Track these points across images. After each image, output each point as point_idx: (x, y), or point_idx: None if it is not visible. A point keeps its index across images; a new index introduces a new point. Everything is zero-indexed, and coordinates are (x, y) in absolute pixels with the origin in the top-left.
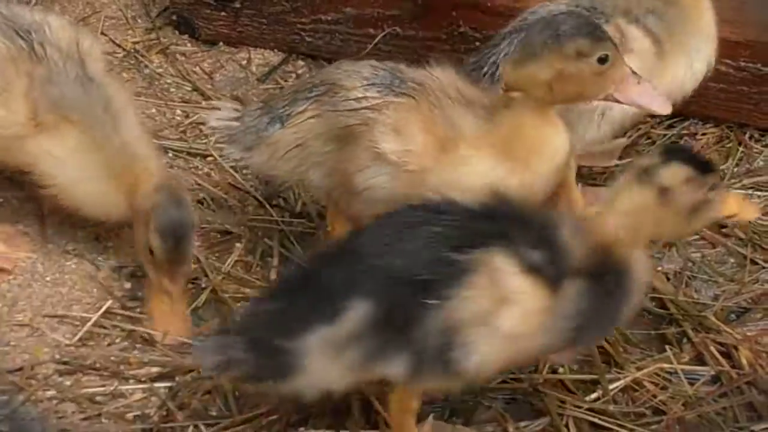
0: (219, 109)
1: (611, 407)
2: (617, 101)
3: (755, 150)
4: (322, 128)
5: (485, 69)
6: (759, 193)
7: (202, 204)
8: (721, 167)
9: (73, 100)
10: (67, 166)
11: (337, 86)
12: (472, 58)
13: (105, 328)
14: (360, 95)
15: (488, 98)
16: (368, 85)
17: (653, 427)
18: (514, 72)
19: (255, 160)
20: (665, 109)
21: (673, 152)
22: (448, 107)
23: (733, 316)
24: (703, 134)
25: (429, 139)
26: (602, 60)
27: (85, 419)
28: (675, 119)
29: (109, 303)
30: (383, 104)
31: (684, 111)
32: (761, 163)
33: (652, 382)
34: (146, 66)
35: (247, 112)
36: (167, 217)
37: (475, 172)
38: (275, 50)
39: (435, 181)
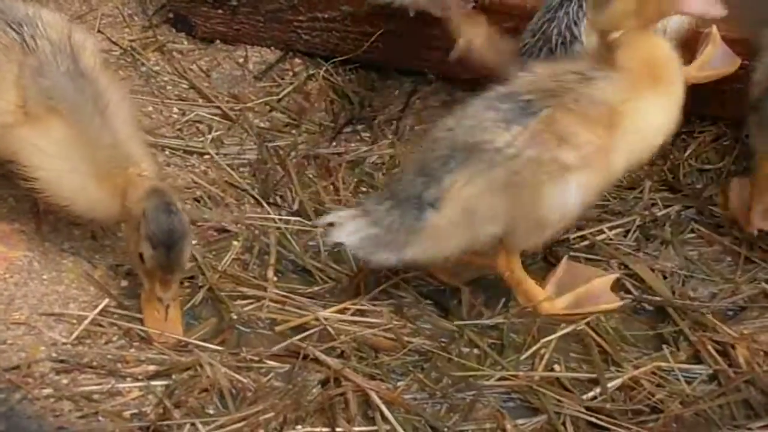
0: (334, 223)
1: (608, 405)
2: (683, 13)
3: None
4: (483, 188)
5: (553, 40)
6: None
7: (198, 202)
8: (719, 165)
9: (63, 92)
10: (52, 158)
11: (480, 145)
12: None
13: (102, 326)
14: (509, 140)
15: (590, 61)
16: (506, 124)
17: (650, 425)
18: (603, 15)
19: (414, 253)
20: (720, 12)
21: None
22: (584, 91)
23: (729, 314)
24: (700, 132)
25: (591, 133)
26: None
27: (81, 417)
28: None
29: (105, 301)
30: (532, 134)
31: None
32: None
33: (650, 381)
34: (143, 64)
35: (372, 212)
36: (158, 225)
37: (650, 120)
38: (272, 48)
39: (618, 160)
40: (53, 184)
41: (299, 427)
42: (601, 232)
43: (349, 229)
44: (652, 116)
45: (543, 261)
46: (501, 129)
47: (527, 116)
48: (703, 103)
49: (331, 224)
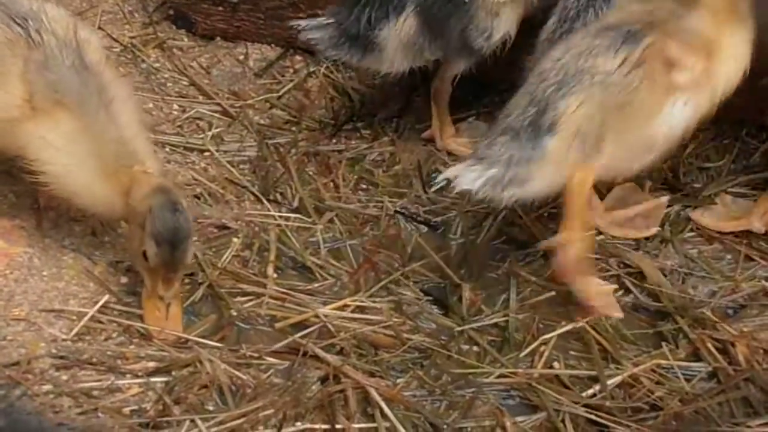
0: (450, 178)
1: (608, 403)
2: None
3: (752, 146)
4: (596, 109)
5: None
6: (754, 192)
7: (198, 199)
8: (719, 164)
9: (69, 86)
10: (60, 152)
11: (591, 70)
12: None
13: (101, 322)
14: (617, 63)
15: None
16: (617, 49)
17: (650, 422)
18: None
19: (538, 183)
20: None
21: None
22: (680, 24)
23: (729, 312)
24: (700, 131)
25: (696, 57)
26: None
27: (81, 414)
28: None
29: (105, 298)
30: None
31: None
32: (758, 159)
33: (649, 378)
34: (143, 61)
35: (487, 156)
36: (164, 224)
37: (740, 50)
38: (272, 45)
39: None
40: (60, 178)
41: (299, 423)
42: (600, 232)
43: (470, 177)
44: (740, 47)
45: (543, 258)
46: (611, 54)
47: (634, 42)
48: None
49: (447, 179)
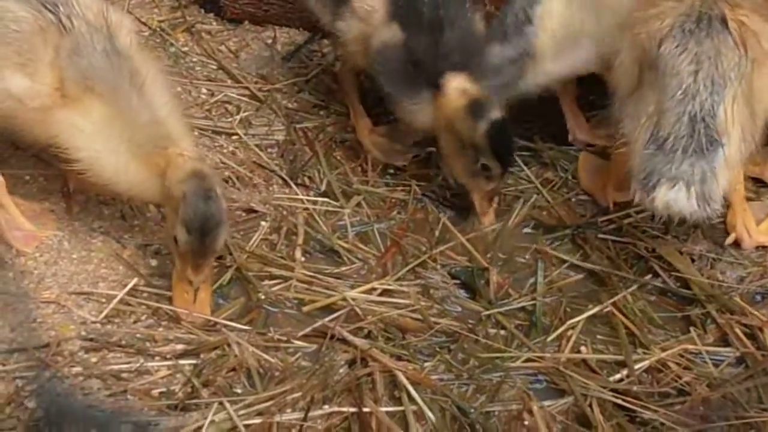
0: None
1: (635, 388)
2: None
3: None
4: (744, 104)
5: None
6: None
7: (227, 182)
8: None
9: (100, 71)
10: (92, 139)
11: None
12: None
13: (130, 305)
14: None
15: None
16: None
17: (677, 407)
18: None
19: (722, 189)
20: None
21: None
22: None
23: (757, 297)
24: None
25: None
26: None
27: (110, 395)
28: None
29: (134, 281)
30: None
31: None
32: None
33: (677, 363)
34: (172, 44)
35: (678, 175)
36: (195, 211)
37: None
38: (300, 29)
39: None
40: (94, 164)
41: (326, 406)
42: (629, 215)
43: (684, 199)
44: None
45: (571, 242)
46: (733, 51)
47: (723, 31)
48: None
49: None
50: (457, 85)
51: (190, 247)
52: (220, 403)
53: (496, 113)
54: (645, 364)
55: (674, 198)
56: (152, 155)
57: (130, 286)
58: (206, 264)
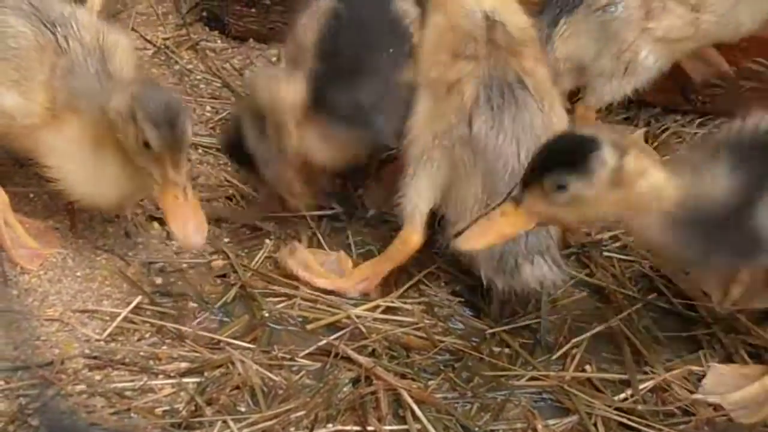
0: None
1: (639, 407)
2: None
3: None
4: None
5: None
6: None
7: (231, 200)
8: None
9: (90, 94)
10: (75, 160)
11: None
12: None
13: (134, 323)
14: None
15: None
16: None
17: (682, 427)
18: None
19: None
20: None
21: None
22: None
23: (763, 317)
24: None
25: None
26: None
27: (114, 414)
28: (706, 117)
29: (138, 298)
30: None
31: (716, 109)
32: None
33: (681, 385)
34: (176, 62)
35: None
36: (153, 102)
37: None
38: None
39: None
40: (74, 185)
41: (330, 425)
42: None
43: (548, 269)
44: None
45: (576, 261)
46: (538, 113)
47: (526, 96)
48: (737, 103)
49: None
50: None
51: (164, 142)
52: (224, 422)
53: None
54: (650, 383)
55: (541, 272)
56: (135, 176)
57: (134, 304)
58: (183, 157)
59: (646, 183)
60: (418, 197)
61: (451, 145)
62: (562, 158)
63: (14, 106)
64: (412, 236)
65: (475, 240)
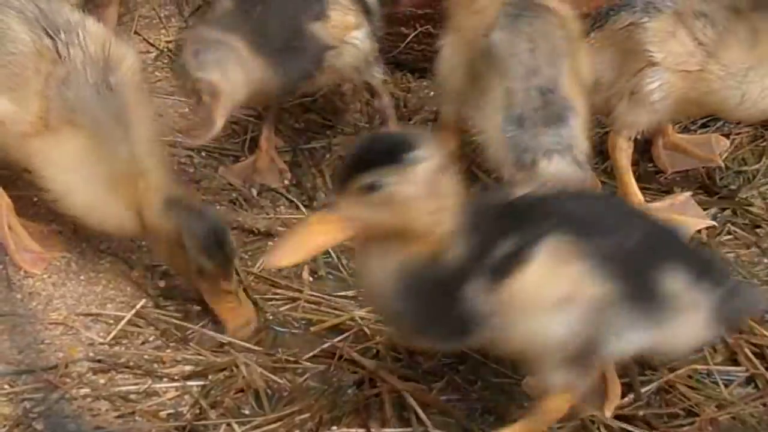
0: None
1: (641, 412)
2: None
3: None
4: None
5: None
6: None
7: (234, 204)
8: (755, 166)
9: (85, 105)
10: (67, 171)
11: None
12: None
13: (138, 326)
14: None
15: None
16: None
17: (686, 428)
18: None
19: None
20: None
21: None
22: None
23: (767, 316)
24: (738, 134)
25: None
26: None
27: (118, 417)
28: (709, 119)
29: (142, 302)
30: None
31: None
32: None
33: (686, 384)
34: None
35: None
36: (201, 233)
37: None
38: None
39: None
40: (68, 197)
41: (334, 427)
42: None
43: (565, 166)
44: None
45: None
46: (559, 29)
47: (547, 13)
48: None
49: None
50: None
51: (218, 265)
52: (228, 425)
53: None
54: (653, 386)
55: (558, 168)
56: (125, 193)
57: (138, 307)
58: (233, 270)
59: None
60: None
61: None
62: (375, 158)
63: (4, 111)
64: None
65: (288, 255)
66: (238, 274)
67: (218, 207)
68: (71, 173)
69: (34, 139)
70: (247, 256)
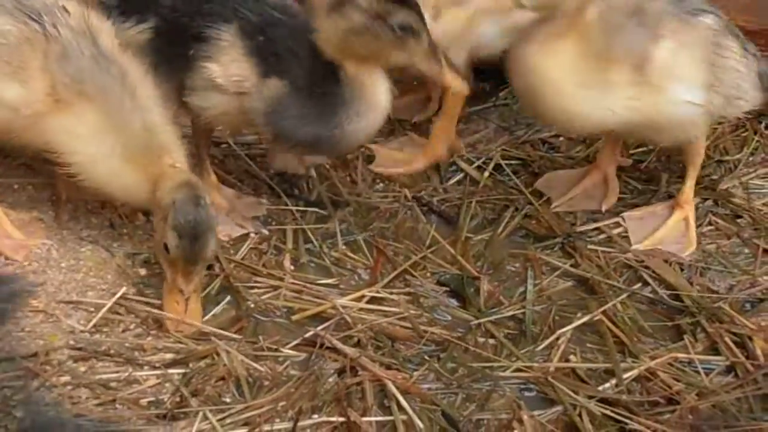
0: None
1: (624, 397)
2: None
3: None
4: None
5: None
6: None
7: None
8: (737, 156)
9: (90, 76)
10: (87, 142)
11: None
12: None
13: (119, 314)
14: None
15: None
16: None
17: (666, 416)
18: None
19: None
20: None
21: None
22: None
23: (747, 306)
24: (719, 123)
25: None
26: None
27: (99, 405)
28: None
29: (123, 289)
30: None
31: None
32: None
33: (666, 372)
34: None
35: None
36: (185, 216)
37: None
38: None
39: None
40: (89, 168)
41: (315, 416)
42: (618, 225)
43: None
44: None
45: (561, 251)
46: None
47: None
48: None
49: None
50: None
51: (180, 253)
52: (209, 412)
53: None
54: (634, 373)
55: None
56: (146, 162)
57: (118, 295)
58: (196, 272)
59: None
60: None
61: None
62: None
63: (15, 96)
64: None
65: None
66: (219, 262)
67: None
68: (91, 144)
69: (48, 117)
70: (229, 245)
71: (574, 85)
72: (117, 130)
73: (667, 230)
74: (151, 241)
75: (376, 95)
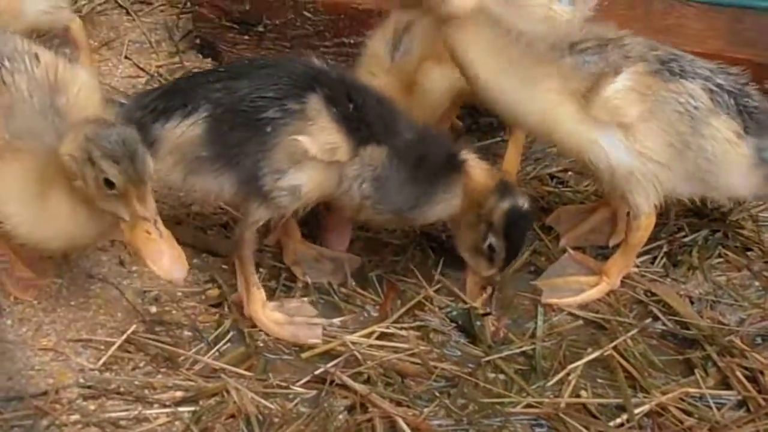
0: None
1: None
2: None
3: None
4: None
5: None
6: None
7: (225, 228)
8: None
9: (32, 133)
10: (14, 200)
11: None
12: None
13: (129, 352)
14: None
15: None
16: None
17: None
18: None
19: None
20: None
21: None
22: None
23: (758, 340)
24: None
25: None
26: None
27: None
28: None
29: (133, 327)
30: None
31: None
32: None
33: (678, 407)
34: None
35: None
36: (110, 139)
37: None
38: None
39: None
40: (17, 227)
41: None
42: None
43: None
44: None
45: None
46: None
47: None
48: None
49: None
50: (479, 164)
51: (126, 176)
52: None
53: (521, 199)
54: (645, 408)
55: None
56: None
57: (128, 332)
58: (148, 190)
59: None
60: None
61: None
62: None
63: None
64: None
65: None
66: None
67: (209, 232)
68: (22, 203)
69: None
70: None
71: None
72: (52, 191)
73: (574, 282)
74: (162, 279)
75: None
